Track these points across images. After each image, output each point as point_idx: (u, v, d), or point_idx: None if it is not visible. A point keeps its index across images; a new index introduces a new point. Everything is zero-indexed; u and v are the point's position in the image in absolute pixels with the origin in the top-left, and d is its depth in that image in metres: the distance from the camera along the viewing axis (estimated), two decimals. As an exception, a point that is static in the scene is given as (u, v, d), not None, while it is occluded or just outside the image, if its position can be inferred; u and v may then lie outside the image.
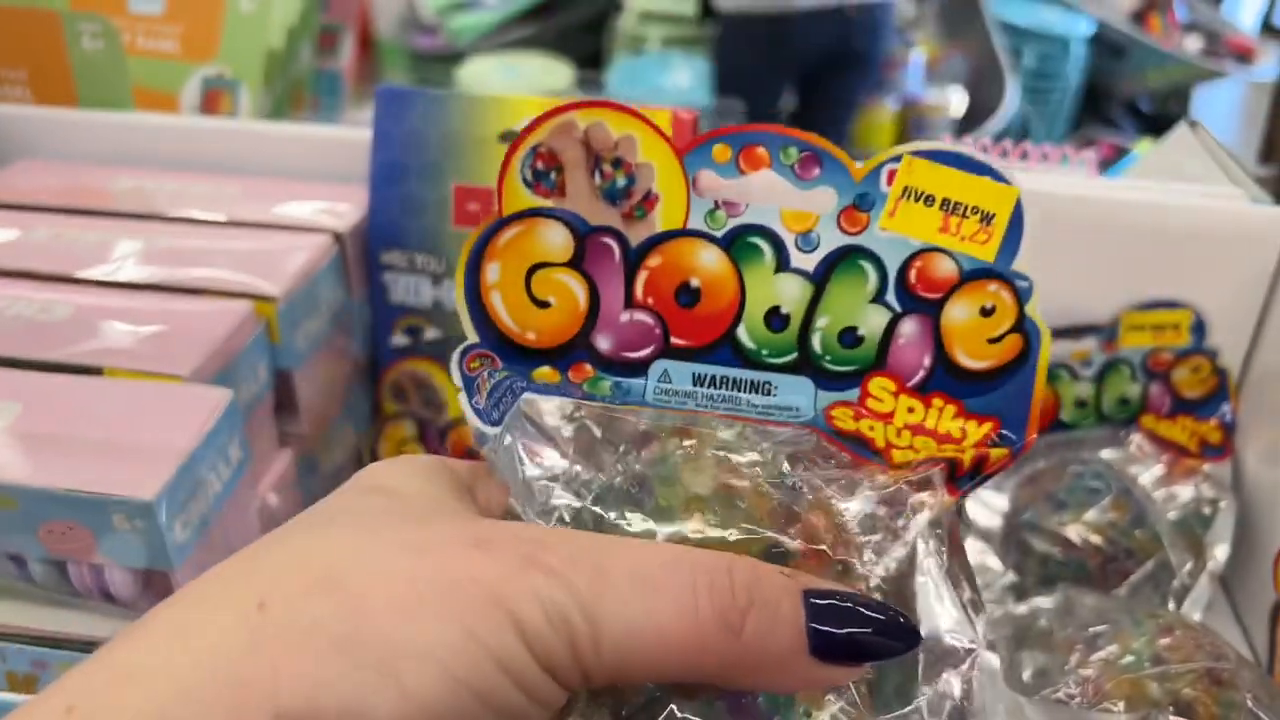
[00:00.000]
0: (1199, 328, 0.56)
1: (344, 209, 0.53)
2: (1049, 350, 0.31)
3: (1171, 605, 0.51)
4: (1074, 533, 0.52)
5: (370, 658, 0.21)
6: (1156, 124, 2.33)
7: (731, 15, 1.84)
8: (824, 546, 0.28)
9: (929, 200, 0.30)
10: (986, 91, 2.12)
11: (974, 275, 0.30)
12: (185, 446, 0.39)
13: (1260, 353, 0.56)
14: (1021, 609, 0.50)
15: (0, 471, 0.37)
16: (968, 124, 2.07)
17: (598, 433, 0.30)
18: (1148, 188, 0.55)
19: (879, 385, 0.31)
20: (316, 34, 0.77)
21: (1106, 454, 0.56)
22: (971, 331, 0.31)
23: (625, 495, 0.28)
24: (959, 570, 0.29)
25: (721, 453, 0.29)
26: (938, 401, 0.31)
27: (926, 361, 0.31)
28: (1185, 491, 0.55)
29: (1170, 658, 0.45)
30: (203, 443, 0.39)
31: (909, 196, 0.30)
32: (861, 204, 0.30)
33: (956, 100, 2.14)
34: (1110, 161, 0.98)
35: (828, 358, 0.31)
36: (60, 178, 0.55)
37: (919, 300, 0.31)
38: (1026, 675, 0.47)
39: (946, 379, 0.31)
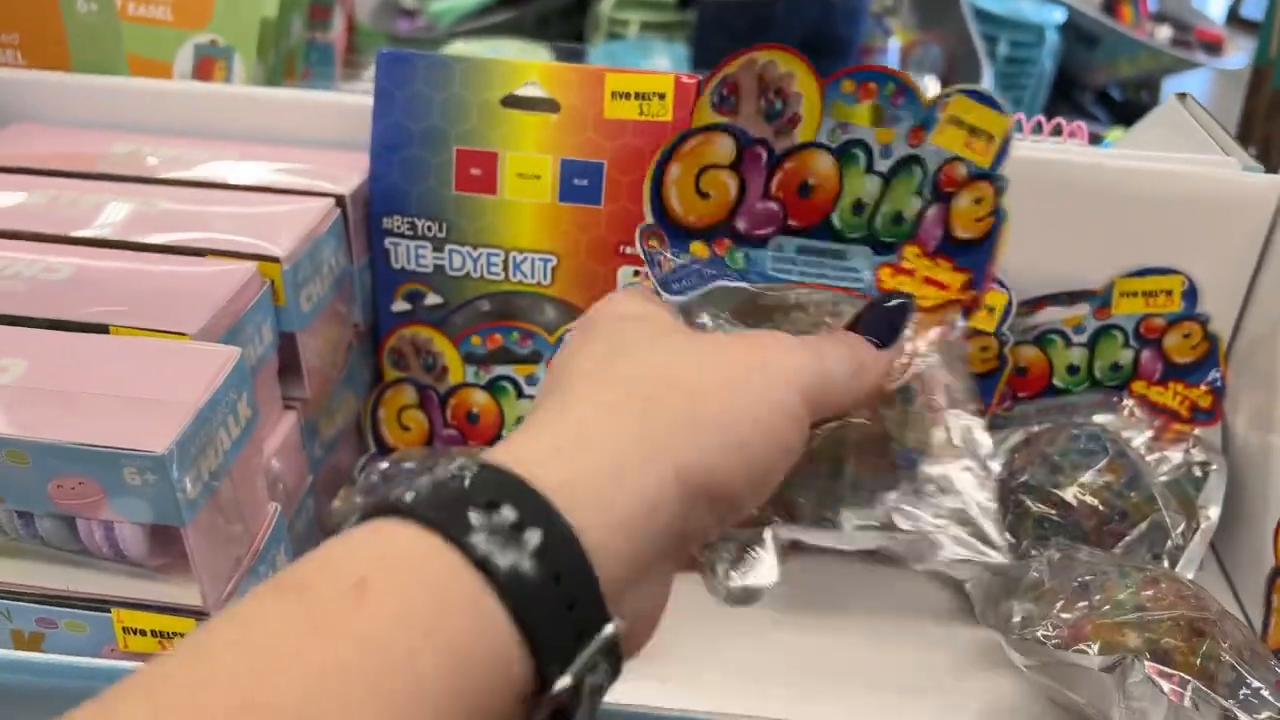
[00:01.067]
0: (1191, 294, 0.57)
1: (345, 174, 0.53)
2: (1009, 230, 0.44)
3: (1165, 565, 0.52)
4: (1070, 494, 0.52)
5: (729, 439, 0.29)
6: (1128, 112, 2.34)
7: (710, 0, 1.83)
8: None
9: (960, 124, 0.44)
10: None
11: (975, 176, 0.44)
12: (196, 401, 0.38)
13: (1250, 319, 0.57)
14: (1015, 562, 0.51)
15: (10, 426, 0.37)
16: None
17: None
18: (1142, 156, 0.56)
19: (910, 252, 0.45)
20: (307, 6, 0.77)
21: (1099, 419, 0.57)
22: (967, 214, 0.45)
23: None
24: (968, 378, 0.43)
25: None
26: (941, 260, 0.45)
27: (939, 234, 0.45)
28: (1176, 455, 0.56)
29: (1152, 607, 0.46)
30: (213, 398, 0.39)
31: (952, 122, 0.44)
32: (924, 125, 0.44)
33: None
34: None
35: (883, 233, 0.45)
36: (56, 142, 0.55)
37: (942, 193, 0.44)
38: (1015, 620, 0.48)
39: (947, 245, 0.45)
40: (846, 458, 0.39)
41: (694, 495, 0.28)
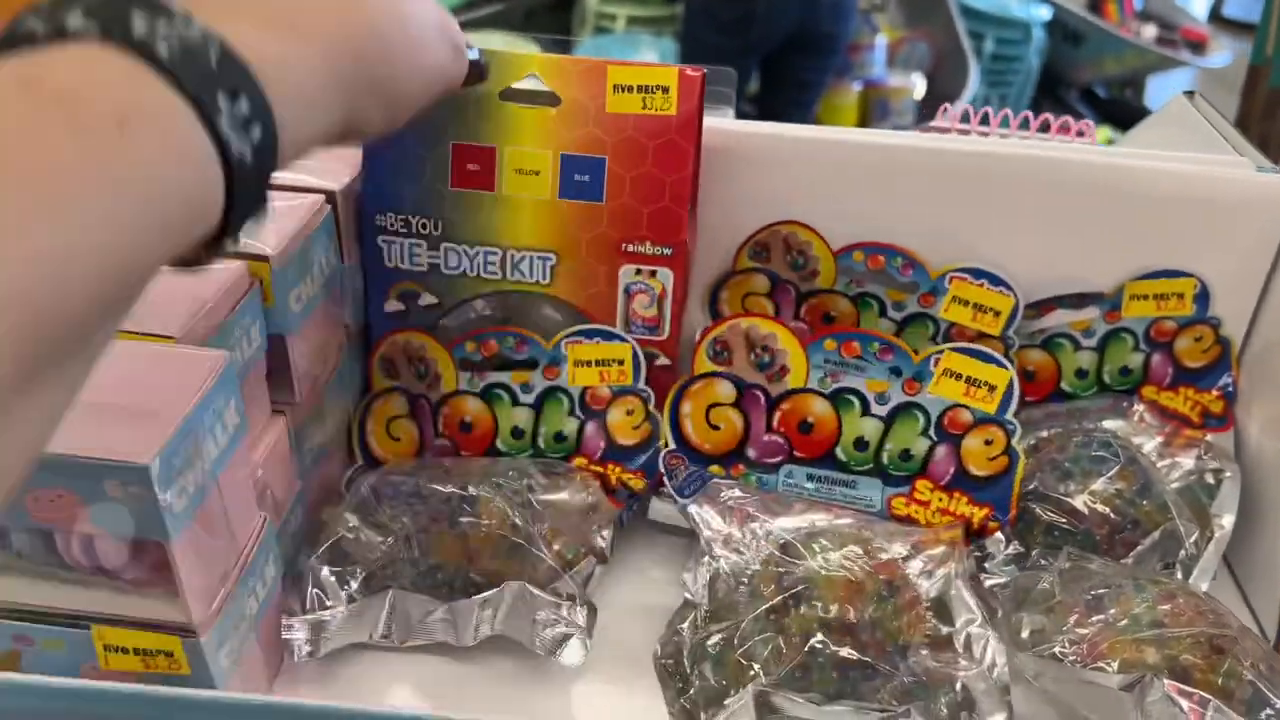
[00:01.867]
0: (1202, 297, 0.55)
1: (336, 168, 0.51)
2: (1023, 468, 0.51)
3: (1179, 575, 0.51)
4: (1080, 502, 0.51)
5: (385, 93, 0.36)
6: (1113, 111, 2.35)
7: (697, -5, 1.82)
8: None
9: (958, 376, 0.51)
10: (949, 76, 2.13)
11: (982, 421, 0.51)
12: (181, 410, 0.36)
13: (1263, 322, 0.55)
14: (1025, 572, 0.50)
15: (-16, 435, 0.35)
16: (930, 108, 2.07)
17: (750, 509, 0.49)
18: (1153, 155, 0.55)
19: (923, 485, 0.52)
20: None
21: (1109, 424, 0.56)
22: (978, 453, 0.51)
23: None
24: (974, 592, 0.47)
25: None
26: (957, 494, 0.51)
27: (951, 470, 0.51)
28: (1187, 462, 0.55)
29: (1170, 623, 0.44)
30: (199, 406, 0.37)
31: (947, 374, 0.51)
32: (918, 377, 0.51)
33: (919, 84, 2.15)
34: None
35: (891, 467, 0.52)
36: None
37: (948, 435, 0.51)
38: (1025, 635, 0.47)
39: (962, 480, 0.51)
40: (841, 641, 0.44)
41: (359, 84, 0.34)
